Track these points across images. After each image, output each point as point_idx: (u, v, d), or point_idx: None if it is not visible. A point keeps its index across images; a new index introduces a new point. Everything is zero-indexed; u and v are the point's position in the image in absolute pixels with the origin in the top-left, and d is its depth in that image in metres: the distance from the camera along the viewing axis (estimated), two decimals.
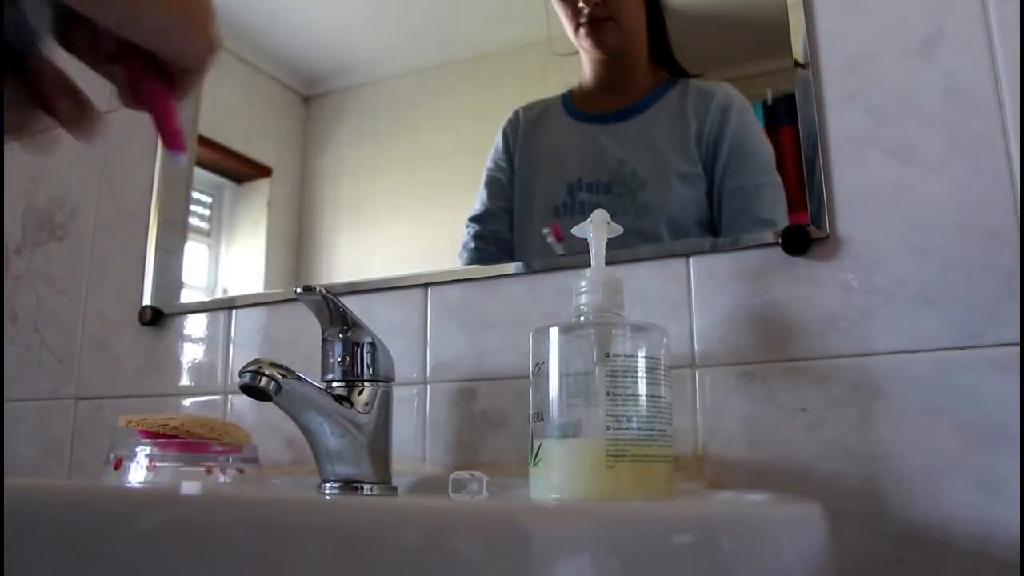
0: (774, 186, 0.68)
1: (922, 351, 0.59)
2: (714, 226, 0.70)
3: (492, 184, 0.81)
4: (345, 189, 0.91)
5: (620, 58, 0.78)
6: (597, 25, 0.77)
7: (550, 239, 0.73)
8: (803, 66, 0.67)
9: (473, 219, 0.81)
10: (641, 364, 0.53)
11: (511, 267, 0.76)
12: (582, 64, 0.79)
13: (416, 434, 0.76)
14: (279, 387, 0.60)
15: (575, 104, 0.80)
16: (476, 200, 0.81)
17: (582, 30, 0.78)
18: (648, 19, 0.77)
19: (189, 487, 0.66)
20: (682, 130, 0.73)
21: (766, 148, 0.69)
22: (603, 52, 0.78)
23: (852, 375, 0.61)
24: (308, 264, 0.92)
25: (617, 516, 0.36)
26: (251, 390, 0.60)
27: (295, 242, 0.94)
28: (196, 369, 0.91)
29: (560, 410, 0.53)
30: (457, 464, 0.73)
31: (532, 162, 0.80)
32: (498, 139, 0.82)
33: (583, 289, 0.56)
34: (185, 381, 0.91)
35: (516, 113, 0.82)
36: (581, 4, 0.77)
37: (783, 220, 0.67)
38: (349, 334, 0.66)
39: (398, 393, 0.71)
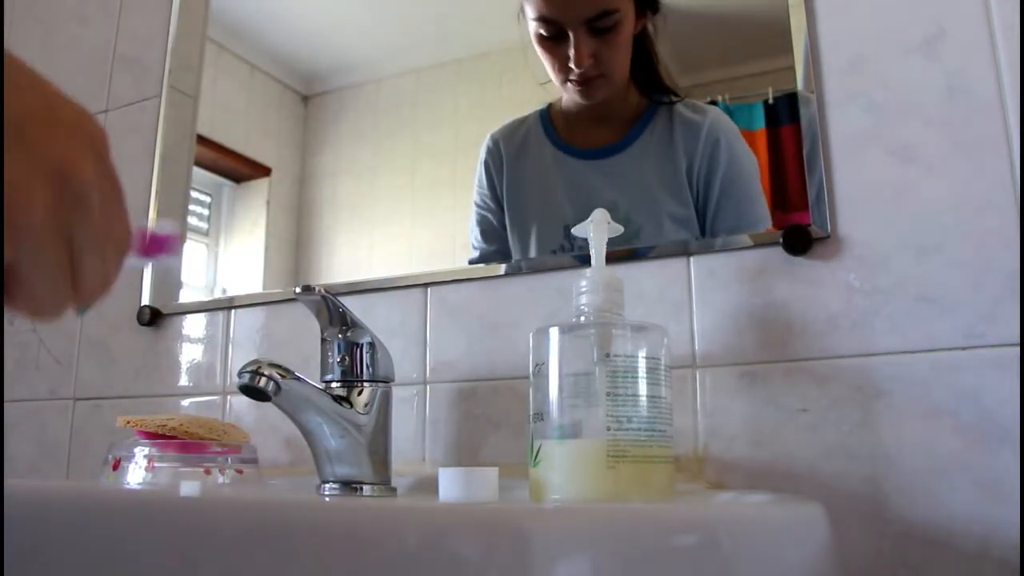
0: (765, 219, 0.67)
1: (923, 351, 0.59)
2: None
3: (483, 224, 0.79)
4: (344, 188, 0.91)
5: (605, 99, 0.77)
6: (589, 82, 0.75)
7: None
8: (804, 65, 0.67)
9: (472, 264, 0.79)
10: (641, 364, 0.53)
11: (511, 267, 0.76)
12: (563, 92, 0.78)
13: (416, 434, 0.76)
14: (278, 387, 0.59)
15: (558, 132, 0.78)
16: (471, 237, 0.80)
17: (571, 85, 0.76)
18: (635, 54, 0.75)
19: (188, 488, 0.66)
20: (673, 168, 0.72)
21: (757, 179, 0.68)
22: (592, 102, 0.77)
23: (853, 375, 0.61)
24: (307, 264, 0.92)
25: (618, 517, 0.36)
26: (250, 390, 0.60)
27: (294, 242, 0.93)
28: (195, 369, 0.91)
29: (560, 410, 0.53)
30: (457, 464, 0.73)
31: (523, 202, 0.78)
32: (480, 171, 0.80)
33: (583, 289, 0.56)
34: (184, 381, 0.91)
35: (496, 142, 0.80)
36: (571, 64, 0.74)
37: None
38: (348, 334, 0.66)
39: (398, 393, 0.71)
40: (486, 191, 0.80)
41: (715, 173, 0.70)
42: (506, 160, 0.79)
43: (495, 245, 0.78)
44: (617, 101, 0.76)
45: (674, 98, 0.74)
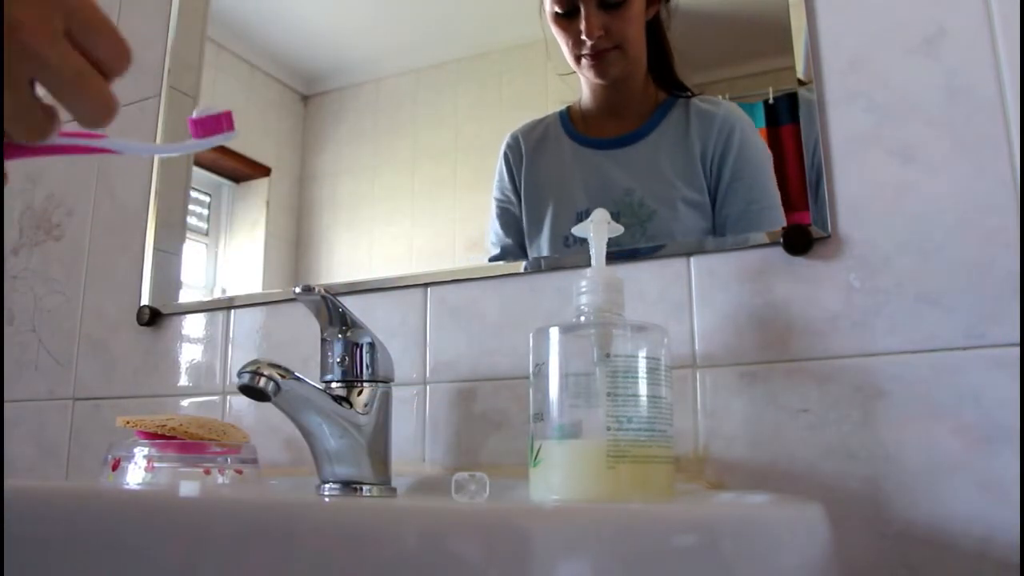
0: (776, 208, 0.68)
1: (924, 351, 0.59)
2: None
3: (503, 216, 0.80)
4: (344, 188, 0.91)
5: (621, 83, 0.78)
6: (600, 56, 0.77)
7: None
8: (805, 65, 0.67)
9: (493, 260, 0.79)
10: (642, 364, 0.53)
11: (511, 267, 0.76)
12: (581, 85, 0.79)
13: (416, 435, 0.76)
14: (278, 387, 0.59)
15: (576, 127, 0.80)
16: (491, 233, 0.80)
17: (584, 61, 0.77)
18: (649, 42, 0.76)
19: (187, 488, 0.66)
20: (686, 154, 0.73)
21: (769, 169, 0.69)
22: (605, 81, 0.78)
23: (854, 375, 0.61)
24: (307, 264, 0.92)
25: (617, 518, 0.36)
26: (250, 390, 0.59)
27: (294, 241, 0.93)
28: (194, 369, 0.91)
29: (560, 411, 0.53)
30: (457, 465, 0.73)
31: (539, 190, 0.79)
32: (500, 166, 0.81)
33: (583, 289, 0.56)
34: (183, 381, 0.91)
35: (516, 138, 0.81)
36: (583, 36, 0.76)
37: None
38: (348, 334, 0.66)
39: (398, 393, 0.71)
40: (506, 184, 0.81)
41: (727, 158, 0.71)
42: (525, 153, 0.81)
43: (514, 237, 0.79)
44: (635, 95, 0.77)
45: (690, 93, 0.75)
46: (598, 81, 0.78)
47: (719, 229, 0.70)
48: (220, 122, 0.43)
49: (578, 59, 0.78)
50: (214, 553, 0.36)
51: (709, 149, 0.72)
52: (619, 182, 0.75)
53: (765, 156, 0.70)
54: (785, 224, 0.66)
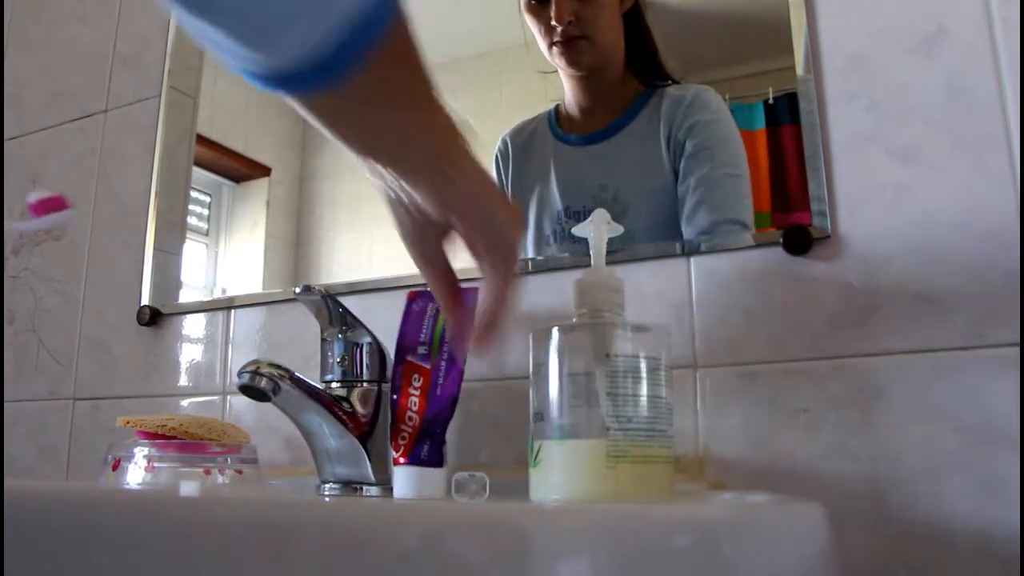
0: (738, 177, 0.68)
1: (923, 351, 0.59)
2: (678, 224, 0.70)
3: None
4: (344, 188, 0.91)
5: (595, 74, 0.78)
6: (570, 44, 0.77)
7: None
8: (804, 65, 0.67)
9: None
10: (642, 364, 0.53)
11: None
12: (563, 82, 0.80)
13: None
14: (278, 387, 0.59)
15: (561, 126, 0.80)
16: None
17: (555, 48, 0.78)
18: (627, 33, 0.77)
19: (188, 488, 0.66)
20: (655, 142, 0.74)
21: (735, 141, 0.70)
22: (577, 70, 0.78)
23: (854, 375, 0.61)
24: (307, 264, 0.92)
25: (617, 518, 0.36)
26: (250, 390, 0.60)
27: (294, 242, 0.93)
28: (195, 369, 0.91)
29: (560, 411, 0.53)
30: (457, 465, 0.73)
31: (523, 192, 0.80)
32: (491, 171, 0.82)
33: (583, 289, 0.56)
34: (183, 381, 0.91)
35: (504, 142, 0.82)
36: (553, 23, 0.77)
37: (744, 215, 0.68)
38: (348, 334, 0.66)
39: None
40: None
41: (693, 130, 0.72)
42: (512, 155, 0.81)
43: None
44: (612, 87, 0.78)
45: (669, 82, 0.75)
46: (570, 70, 0.78)
47: (680, 200, 0.70)
48: (52, 204, 0.50)
49: (550, 47, 0.78)
50: (214, 553, 0.36)
51: (674, 126, 0.73)
52: (593, 178, 0.76)
53: (734, 131, 0.70)
54: (751, 198, 0.67)
